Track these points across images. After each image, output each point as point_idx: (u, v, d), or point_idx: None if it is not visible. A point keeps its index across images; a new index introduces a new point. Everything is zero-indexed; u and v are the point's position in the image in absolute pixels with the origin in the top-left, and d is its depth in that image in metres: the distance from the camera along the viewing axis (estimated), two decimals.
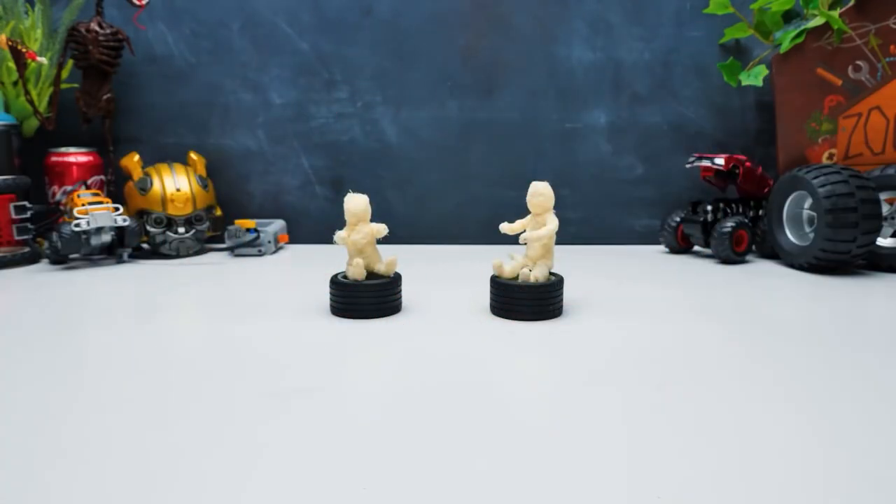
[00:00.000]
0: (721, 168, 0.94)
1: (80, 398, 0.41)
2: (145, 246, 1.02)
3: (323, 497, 0.29)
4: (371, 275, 0.63)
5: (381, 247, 0.64)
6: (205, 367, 0.46)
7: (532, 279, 0.59)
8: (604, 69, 1.10)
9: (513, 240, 0.57)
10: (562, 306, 0.62)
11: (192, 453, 0.33)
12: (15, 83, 1.00)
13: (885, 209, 0.86)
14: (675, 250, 1.02)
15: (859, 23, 0.90)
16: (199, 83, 1.11)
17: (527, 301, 0.59)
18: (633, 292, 0.72)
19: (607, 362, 0.47)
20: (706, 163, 0.96)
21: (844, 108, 0.93)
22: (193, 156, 1.05)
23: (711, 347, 0.51)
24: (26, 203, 0.91)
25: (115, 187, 1.06)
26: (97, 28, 0.98)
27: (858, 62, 0.91)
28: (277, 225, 1.07)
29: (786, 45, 0.94)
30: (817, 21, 0.91)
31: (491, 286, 0.62)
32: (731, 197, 1.07)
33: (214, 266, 0.91)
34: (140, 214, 0.98)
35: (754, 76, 0.99)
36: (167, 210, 0.98)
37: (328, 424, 0.36)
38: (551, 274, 0.62)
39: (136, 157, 1.01)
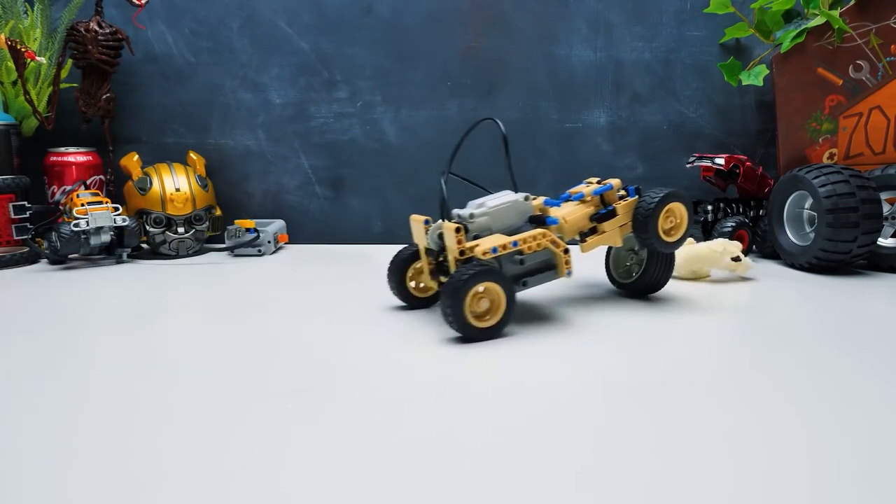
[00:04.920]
0: (721, 168, 0.94)
1: (80, 399, 0.40)
2: (145, 246, 1.02)
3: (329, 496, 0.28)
4: None
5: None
6: (206, 367, 0.46)
7: None
8: (604, 69, 1.10)
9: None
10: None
11: (196, 453, 0.33)
12: (14, 83, 0.99)
13: (886, 209, 0.85)
14: None
15: (860, 22, 0.90)
16: (198, 83, 1.11)
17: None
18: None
19: (607, 361, 0.47)
20: (706, 163, 0.96)
21: (845, 108, 0.92)
22: (193, 156, 1.05)
23: (711, 347, 0.51)
24: (25, 203, 0.91)
25: (115, 187, 1.06)
26: (96, 27, 0.97)
27: (859, 62, 0.91)
28: (277, 225, 1.07)
29: (786, 45, 0.93)
30: (818, 20, 0.91)
31: None
32: (732, 197, 1.07)
33: (214, 266, 0.91)
34: (140, 214, 0.98)
35: (755, 76, 0.99)
36: (166, 210, 0.98)
37: (337, 425, 0.36)
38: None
39: (136, 157, 1.01)
